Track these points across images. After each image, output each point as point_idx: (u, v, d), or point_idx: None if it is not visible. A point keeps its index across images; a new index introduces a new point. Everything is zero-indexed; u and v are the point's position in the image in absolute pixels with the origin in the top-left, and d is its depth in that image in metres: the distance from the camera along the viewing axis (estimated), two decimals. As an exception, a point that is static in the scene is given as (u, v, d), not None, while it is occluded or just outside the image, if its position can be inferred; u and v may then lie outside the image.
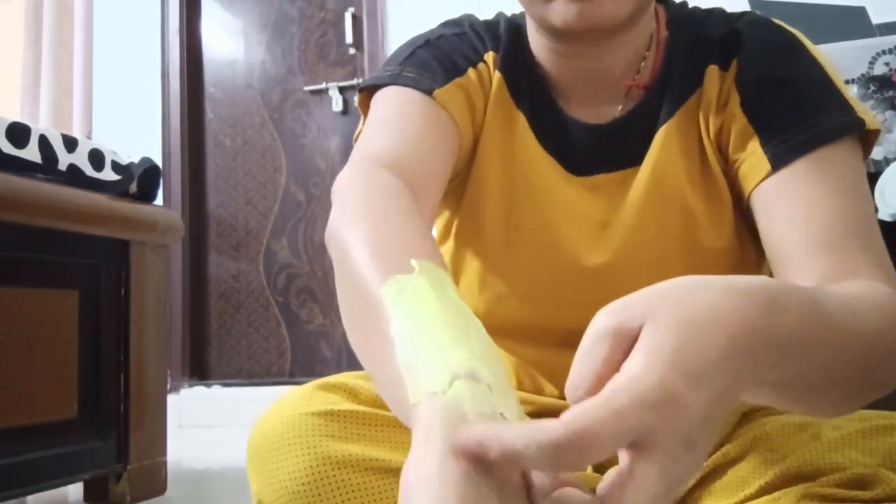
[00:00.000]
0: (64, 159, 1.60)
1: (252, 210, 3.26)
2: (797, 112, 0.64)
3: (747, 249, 0.70)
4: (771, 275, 0.66)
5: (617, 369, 0.35)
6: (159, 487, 1.74)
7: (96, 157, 1.68)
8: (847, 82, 1.71)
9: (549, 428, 0.32)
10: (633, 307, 0.37)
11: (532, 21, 0.72)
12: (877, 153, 1.68)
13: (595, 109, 0.73)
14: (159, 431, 1.76)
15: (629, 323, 0.36)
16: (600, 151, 0.72)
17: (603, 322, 0.37)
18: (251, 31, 3.32)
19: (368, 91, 0.74)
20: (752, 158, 0.65)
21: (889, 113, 1.70)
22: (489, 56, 0.74)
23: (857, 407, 0.51)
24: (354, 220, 0.54)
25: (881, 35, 1.94)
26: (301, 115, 3.22)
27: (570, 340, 0.64)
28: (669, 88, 0.70)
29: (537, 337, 0.74)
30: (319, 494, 0.59)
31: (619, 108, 0.72)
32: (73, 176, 1.61)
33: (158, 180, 1.81)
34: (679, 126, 0.70)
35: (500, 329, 0.71)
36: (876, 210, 1.45)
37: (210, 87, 3.35)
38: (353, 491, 0.60)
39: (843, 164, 0.62)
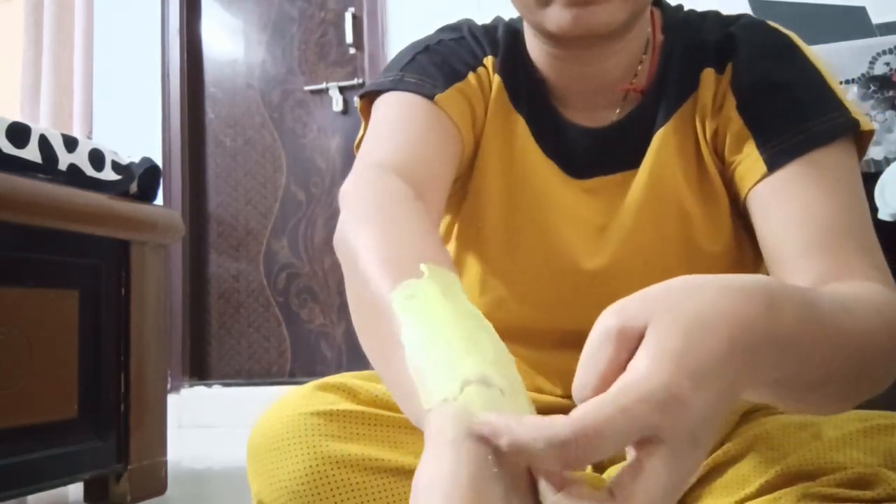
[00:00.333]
0: (64, 159, 1.60)
1: (252, 210, 3.26)
2: (792, 115, 0.64)
3: (745, 251, 0.71)
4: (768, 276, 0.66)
5: (622, 369, 0.36)
6: (159, 487, 1.75)
7: (96, 157, 1.68)
8: (847, 82, 1.71)
9: (557, 424, 0.33)
10: (635, 308, 0.38)
11: (529, 26, 0.72)
12: (877, 153, 1.68)
13: (593, 113, 0.73)
14: (159, 431, 1.76)
15: (632, 323, 0.37)
16: (598, 155, 0.72)
17: (606, 324, 0.38)
18: (251, 31, 3.32)
19: (369, 97, 0.74)
20: (749, 161, 0.65)
21: (889, 113, 1.70)
22: (488, 60, 0.75)
23: (853, 405, 0.51)
24: (363, 224, 0.54)
25: (881, 35, 1.94)
26: (301, 115, 3.22)
27: (568, 342, 0.64)
28: (666, 92, 0.71)
29: (537, 338, 0.75)
30: (319, 494, 0.59)
31: (617, 111, 0.73)
32: (74, 176, 1.61)
33: (158, 180, 1.81)
34: (676, 129, 0.70)
35: (500, 331, 0.70)
36: (876, 210, 1.45)
37: (210, 87, 3.35)
38: (352, 490, 0.60)
39: (838, 165, 0.63)
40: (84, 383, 1.59)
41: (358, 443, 0.62)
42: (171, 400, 2.30)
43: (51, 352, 1.52)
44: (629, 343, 0.37)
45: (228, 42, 3.35)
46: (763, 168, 0.64)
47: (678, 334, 0.36)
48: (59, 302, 1.54)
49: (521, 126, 0.73)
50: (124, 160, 1.76)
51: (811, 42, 0.70)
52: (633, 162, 0.71)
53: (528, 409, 0.40)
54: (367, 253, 0.50)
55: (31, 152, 1.53)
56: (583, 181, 0.72)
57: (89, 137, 3.27)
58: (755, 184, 0.64)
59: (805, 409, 0.53)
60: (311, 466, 0.59)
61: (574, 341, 0.39)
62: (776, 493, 0.59)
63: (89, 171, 1.65)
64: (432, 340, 0.42)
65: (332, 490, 0.59)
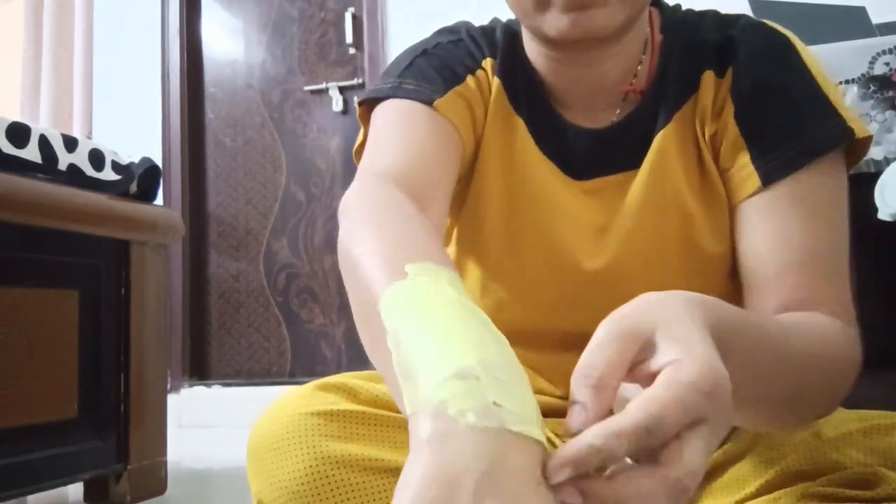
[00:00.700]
0: (64, 159, 1.59)
1: (252, 210, 3.26)
2: (788, 125, 0.65)
3: None
4: None
5: (628, 363, 0.39)
6: (159, 487, 1.74)
7: (96, 157, 1.68)
8: (847, 82, 1.71)
9: (620, 421, 0.35)
10: (640, 314, 0.40)
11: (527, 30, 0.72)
12: (877, 153, 1.68)
13: (593, 114, 0.73)
14: (159, 431, 1.76)
15: (641, 326, 0.40)
16: (599, 156, 0.72)
17: (616, 324, 0.40)
18: (251, 31, 3.32)
19: (368, 104, 0.74)
20: (743, 172, 0.66)
21: (889, 113, 1.70)
22: (487, 62, 0.75)
23: (790, 426, 0.58)
24: (362, 233, 0.53)
25: (881, 35, 1.93)
26: (301, 115, 3.22)
27: (569, 343, 0.64)
28: (665, 92, 0.71)
29: (538, 340, 0.75)
30: (319, 494, 0.59)
31: (617, 112, 0.73)
32: (74, 176, 1.61)
33: (158, 180, 1.81)
34: (676, 130, 0.70)
35: (501, 332, 0.71)
36: (876, 210, 1.45)
37: (210, 87, 3.35)
38: (352, 490, 0.60)
39: (828, 185, 0.65)
40: (84, 383, 1.58)
41: (358, 443, 0.62)
42: (171, 400, 2.31)
43: (51, 352, 1.52)
44: (635, 344, 0.39)
45: (228, 42, 3.35)
46: (757, 182, 0.65)
47: (693, 329, 0.39)
48: (59, 302, 1.54)
49: (520, 128, 0.73)
50: (124, 160, 1.76)
51: (811, 42, 0.70)
52: (634, 162, 0.71)
53: (515, 389, 0.39)
54: (365, 258, 0.50)
55: (31, 152, 1.53)
56: (583, 182, 0.72)
57: (89, 137, 3.27)
58: (748, 196, 0.66)
59: (759, 422, 0.57)
60: (311, 466, 0.60)
61: (574, 342, 0.40)
62: (776, 493, 0.59)
63: (89, 171, 1.65)
64: (408, 346, 0.42)
65: (332, 490, 0.59)
